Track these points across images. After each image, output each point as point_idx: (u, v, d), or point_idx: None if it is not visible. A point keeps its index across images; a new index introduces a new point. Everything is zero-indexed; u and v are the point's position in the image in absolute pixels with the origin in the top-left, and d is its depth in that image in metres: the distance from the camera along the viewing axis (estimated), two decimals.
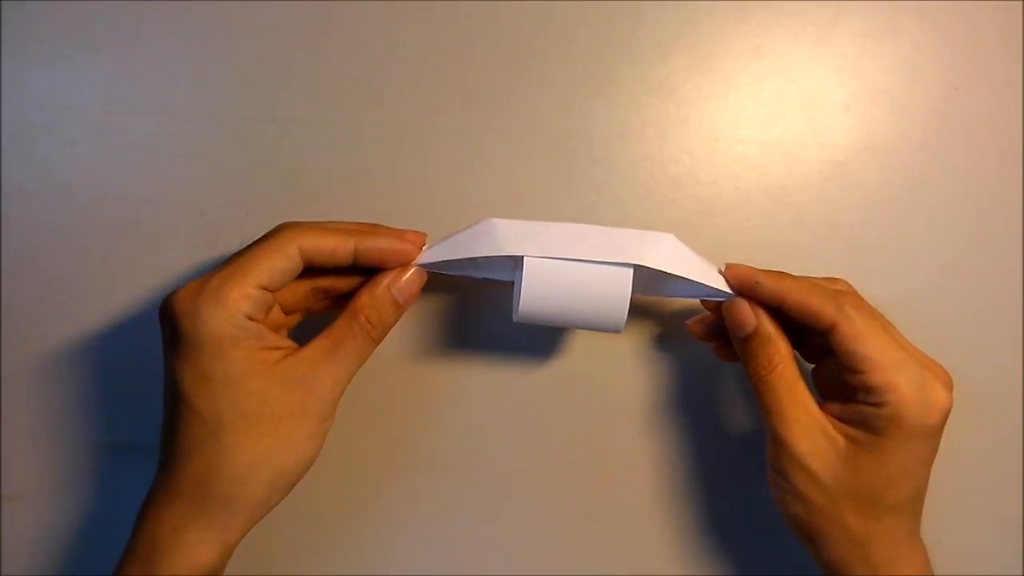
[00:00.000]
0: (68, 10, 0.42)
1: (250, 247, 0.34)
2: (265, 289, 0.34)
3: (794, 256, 0.43)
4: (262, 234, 0.35)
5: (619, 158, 0.43)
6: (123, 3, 0.43)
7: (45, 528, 0.42)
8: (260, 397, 0.33)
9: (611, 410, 0.43)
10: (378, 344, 0.36)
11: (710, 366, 0.42)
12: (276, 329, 0.36)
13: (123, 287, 0.42)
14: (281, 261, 0.34)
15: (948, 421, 0.42)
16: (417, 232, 0.37)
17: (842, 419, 0.35)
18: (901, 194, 0.43)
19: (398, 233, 0.36)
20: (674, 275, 0.36)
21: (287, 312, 0.37)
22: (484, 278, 0.38)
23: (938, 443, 0.35)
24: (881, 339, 0.34)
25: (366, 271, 0.36)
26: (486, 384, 0.43)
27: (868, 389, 0.34)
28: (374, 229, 0.36)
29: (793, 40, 0.43)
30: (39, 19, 0.43)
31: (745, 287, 0.36)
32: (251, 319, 0.33)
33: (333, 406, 0.35)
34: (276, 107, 0.42)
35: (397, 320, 0.36)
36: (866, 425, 0.34)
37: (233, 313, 0.33)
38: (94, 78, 0.43)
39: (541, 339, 0.43)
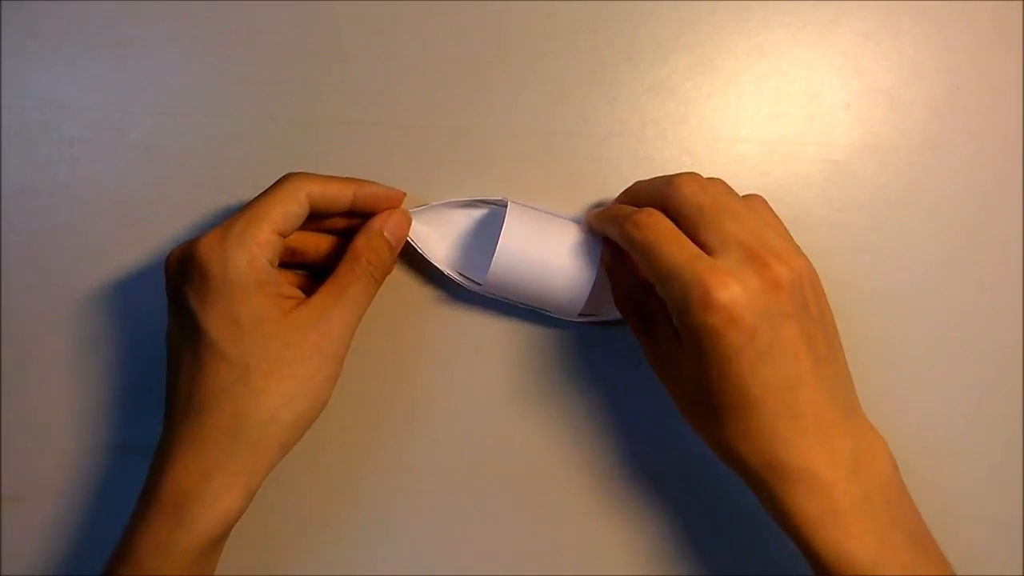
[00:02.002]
0: (68, 10, 0.42)
1: (262, 195, 0.36)
2: (280, 235, 0.35)
3: None
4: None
5: (619, 158, 0.43)
6: (123, 3, 0.42)
7: (45, 528, 0.42)
8: (283, 341, 0.34)
9: (596, 407, 0.43)
10: (379, 285, 0.38)
11: None
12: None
13: (123, 287, 0.42)
14: (294, 206, 0.36)
15: (948, 418, 0.42)
16: (399, 190, 0.40)
17: (679, 342, 0.35)
18: (901, 194, 0.43)
19: (389, 189, 0.39)
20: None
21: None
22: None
23: (744, 340, 0.31)
24: (656, 252, 0.33)
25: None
26: (467, 383, 0.43)
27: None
28: (364, 181, 0.39)
29: (794, 39, 0.43)
30: (39, 19, 0.42)
31: (596, 229, 0.39)
32: (271, 264, 0.35)
33: (346, 348, 0.36)
34: (276, 107, 0.42)
35: (393, 261, 0.39)
36: (677, 335, 0.34)
37: (258, 257, 0.34)
38: (94, 78, 0.43)
39: (521, 336, 0.43)
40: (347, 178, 0.38)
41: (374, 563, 0.42)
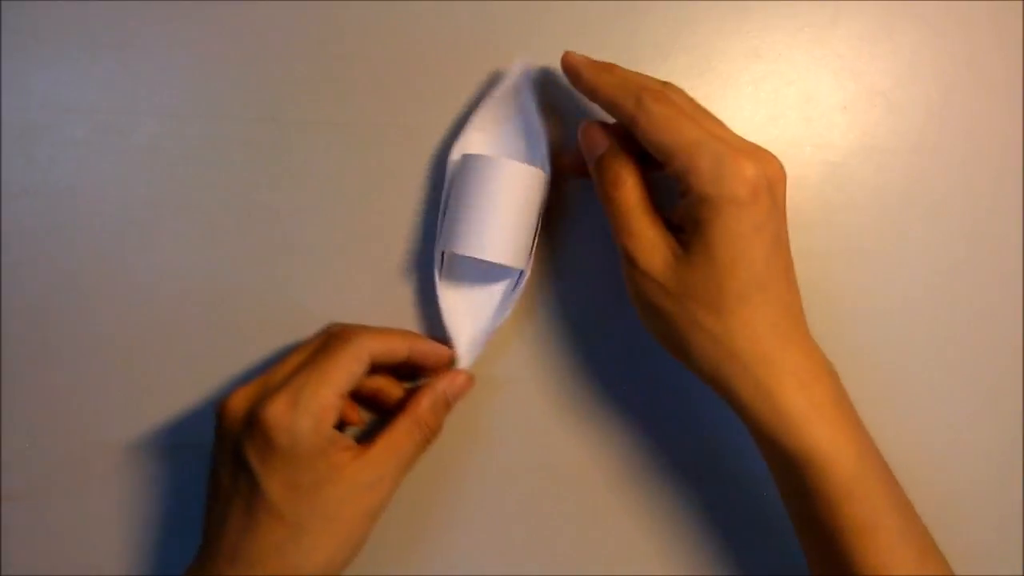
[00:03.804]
0: (69, 10, 0.43)
1: (326, 354, 0.36)
2: (342, 398, 0.36)
3: (793, 256, 0.43)
4: (320, 341, 0.38)
5: None
6: (123, 3, 0.43)
7: (45, 528, 0.42)
8: (337, 502, 0.35)
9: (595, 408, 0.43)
10: (429, 446, 0.38)
11: None
12: None
13: (124, 288, 0.43)
14: (357, 366, 0.36)
15: (947, 419, 0.42)
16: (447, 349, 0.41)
17: (679, 226, 0.35)
18: (899, 195, 0.43)
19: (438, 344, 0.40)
20: None
21: None
22: None
23: (765, 217, 0.33)
24: (678, 125, 0.34)
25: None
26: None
27: (676, 179, 0.34)
28: (418, 335, 0.41)
29: (791, 41, 0.43)
30: (39, 19, 0.43)
31: (572, 75, 0.38)
32: (333, 426, 0.36)
33: (387, 504, 0.37)
34: (276, 107, 0.43)
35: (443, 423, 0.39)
36: (688, 220, 0.34)
37: (323, 421, 0.35)
38: (95, 79, 0.43)
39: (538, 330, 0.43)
40: (401, 333, 0.39)
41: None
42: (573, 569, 0.43)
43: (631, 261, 0.35)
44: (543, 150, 0.41)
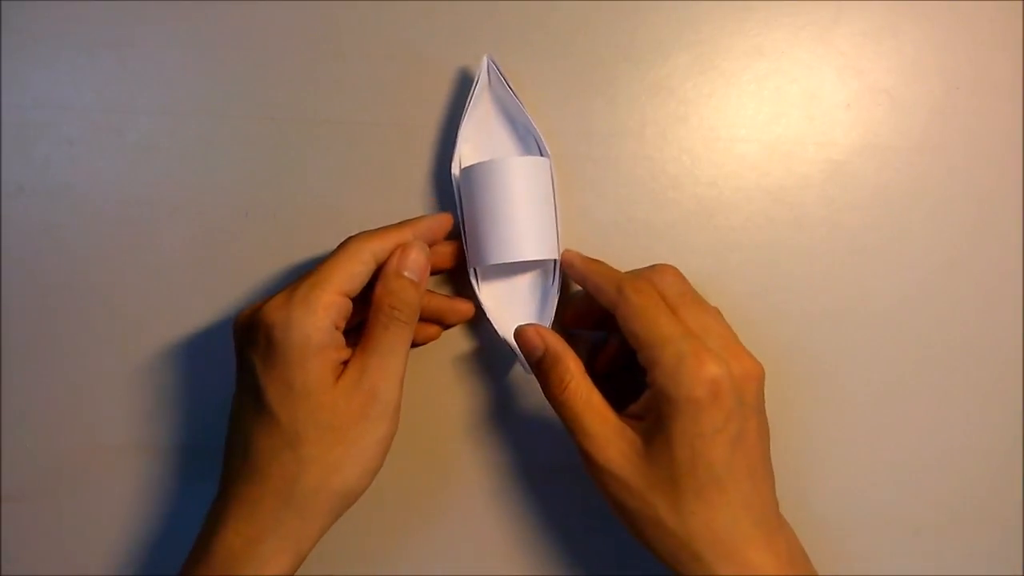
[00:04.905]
0: (68, 10, 0.42)
1: (327, 259, 0.36)
2: (346, 296, 0.35)
3: (794, 256, 0.43)
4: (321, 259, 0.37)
5: (619, 158, 0.43)
6: (123, 3, 0.42)
7: (45, 528, 0.42)
8: (331, 408, 0.34)
9: None
10: (412, 324, 0.37)
11: None
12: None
13: (123, 287, 0.42)
14: (358, 266, 0.36)
15: (947, 418, 0.42)
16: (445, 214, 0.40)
17: (637, 416, 0.35)
18: (901, 194, 0.43)
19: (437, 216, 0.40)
20: None
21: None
22: None
23: (725, 419, 0.33)
24: (653, 317, 0.34)
25: None
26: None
27: (644, 369, 0.34)
28: (416, 219, 0.39)
29: (794, 39, 0.43)
30: (39, 19, 0.42)
31: (567, 266, 0.40)
32: (336, 327, 0.35)
33: (393, 407, 0.36)
34: (276, 107, 0.42)
35: (421, 297, 0.37)
36: (649, 412, 0.34)
37: (323, 318, 0.34)
38: (93, 78, 0.43)
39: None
40: (401, 224, 0.38)
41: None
42: (587, 570, 0.43)
43: (588, 459, 0.35)
44: (534, 133, 0.41)
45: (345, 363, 0.36)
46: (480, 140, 0.42)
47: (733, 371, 0.33)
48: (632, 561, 0.42)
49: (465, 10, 0.43)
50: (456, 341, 0.43)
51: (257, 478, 0.34)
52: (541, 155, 0.41)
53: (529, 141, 0.42)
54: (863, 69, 0.43)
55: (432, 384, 0.43)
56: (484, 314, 0.40)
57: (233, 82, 0.43)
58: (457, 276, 0.42)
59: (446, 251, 0.41)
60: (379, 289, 0.36)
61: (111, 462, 0.42)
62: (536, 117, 0.41)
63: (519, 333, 0.37)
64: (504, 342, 0.40)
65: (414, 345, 0.41)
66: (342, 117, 0.43)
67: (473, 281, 0.41)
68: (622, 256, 0.43)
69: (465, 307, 0.41)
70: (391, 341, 0.36)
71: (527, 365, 0.40)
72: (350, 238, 0.37)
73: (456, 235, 0.41)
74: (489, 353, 0.43)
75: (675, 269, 0.37)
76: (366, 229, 0.37)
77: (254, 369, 0.35)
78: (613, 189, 0.43)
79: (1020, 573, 0.42)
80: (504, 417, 0.43)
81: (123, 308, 0.42)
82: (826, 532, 0.42)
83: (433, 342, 0.42)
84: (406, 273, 0.37)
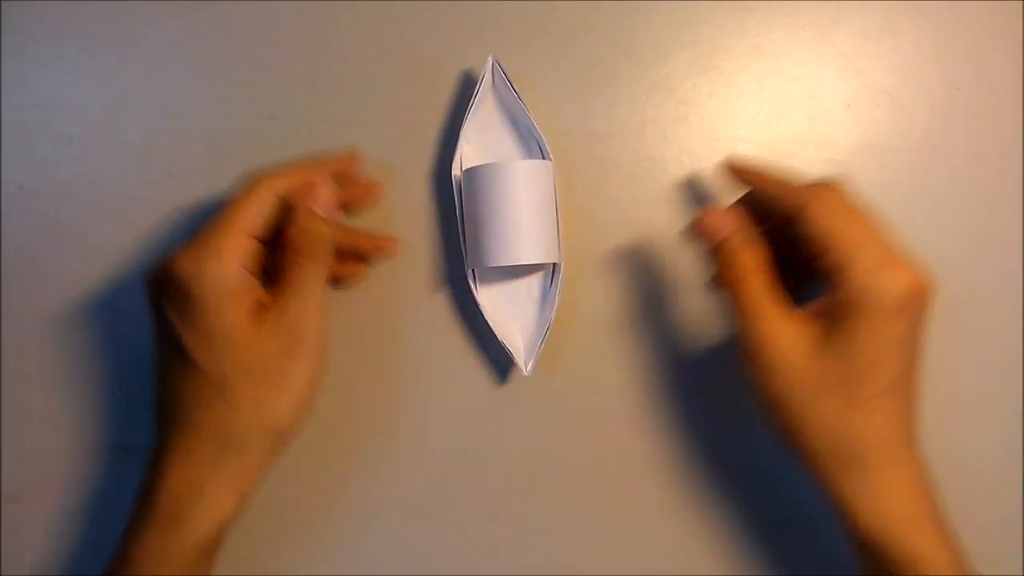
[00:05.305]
0: (68, 10, 0.42)
1: (230, 202, 0.36)
2: (254, 238, 0.36)
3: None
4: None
5: (619, 158, 0.43)
6: (123, 3, 0.42)
7: (45, 528, 0.42)
8: (253, 350, 0.35)
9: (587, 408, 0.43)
10: (326, 259, 0.36)
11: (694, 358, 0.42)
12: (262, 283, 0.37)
13: (122, 287, 0.42)
14: (261, 205, 0.36)
15: (947, 418, 0.42)
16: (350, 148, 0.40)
17: (814, 318, 0.35)
18: (902, 193, 0.43)
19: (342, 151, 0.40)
20: None
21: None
22: None
23: (912, 329, 0.34)
24: (846, 220, 0.34)
25: None
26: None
27: (831, 270, 0.34)
28: (320, 156, 0.39)
29: (794, 39, 0.43)
30: (39, 19, 0.42)
31: (735, 170, 0.39)
32: (246, 269, 0.35)
33: (316, 344, 0.36)
34: (276, 107, 0.42)
35: (332, 233, 0.37)
36: (833, 313, 0.34)
37: (231, 263, 0.34)
38: (93, 78, 0.43)
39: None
40: (305, 160, 0.38)
41: (367, 563, 0.42)
42: (592, 569, 0.43)
43: (758, 348, 0.35)
44: (536, 135, 0.41)
45: (266, 305, 0.36)
46: (482, 141, 0.42)
47: (921, 285, 0.34)
48: (631, 560, 0.43)
49: (465, 10, 0.43)
50: (455, 342, 0.43)
51: (191, 427, 0.35)
52: (543, 158, 0.41)
53: (531, 143, 0.42)
54: (863, 69, 0.43)
55: (432, 384, 0.43)
56: (482, 316, 0.40)
57: (233, 82, 0.43)
58: (456, 276, 0.42)
59: (360, 189, 0.41)
60: (290, 229, 0.36)
61: (111, 462, 0.42)
62: (536, 117, 0.41)
63: (704, 215, 0.36)
64: (502, 344, 0.40)
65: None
66: (342, 117, 0.43)
67: (471, 282, 0.41)
68: (622, 256, 0.43)
69: (387, 243, 0.41)
70: (307, 279, 0.36)
71: (525, 366, 0.40)
72: (251, 176, 0.37)
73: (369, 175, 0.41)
74: (488, 354, 0.43)
75: (843, 185, 0.37)
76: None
77: (170, 322, 0.35)
78: (613, 189, 0.43)
79: (1020, 574, 0.42)
80: (503, 418, 0.43)
81: (124, 308, 0.42)
82: (823, 533, 0.42)
83: (431, 342, 0.42)
84: (316, 210, 0.36)
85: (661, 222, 0.43)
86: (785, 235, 0.36)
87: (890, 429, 0.34)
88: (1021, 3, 0.43)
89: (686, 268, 0.43)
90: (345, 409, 0.42)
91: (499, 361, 0.43)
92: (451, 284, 0.43)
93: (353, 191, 0.40)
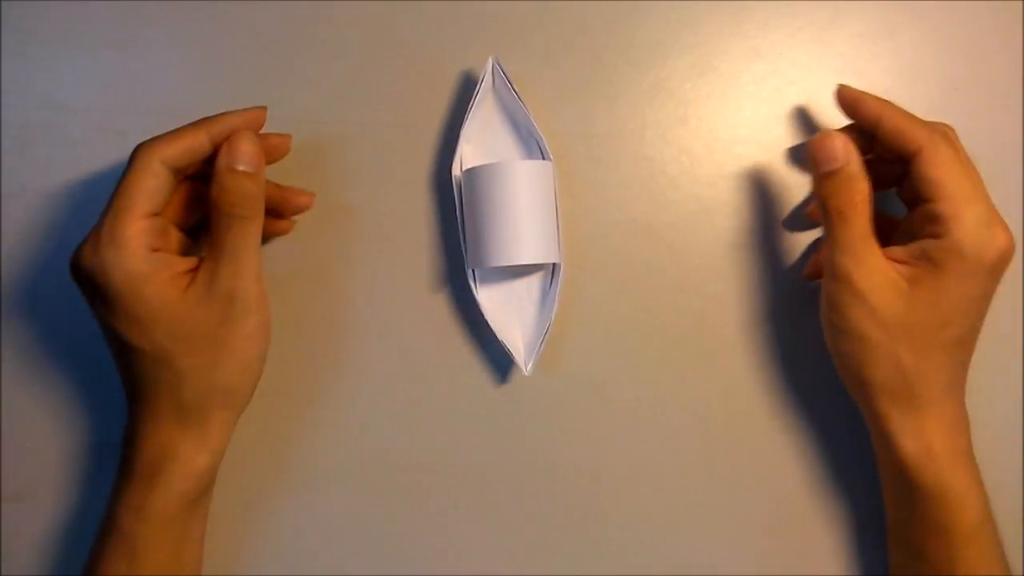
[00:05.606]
0: (68, 10, 0.43)
1: (119, 182, 0.35)
2: (154, 215, 0.35)
3: (795, 255, 0.43)
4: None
5: (618, 159, 0.43)
6: (123, 3, 0.43)
7: (45, 528, 0.42)
8: (189, 319, 0.35)
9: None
10: (258, 218, 0.36)
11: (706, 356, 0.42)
12: (182, 250, 0.37)
13: None
14: (152, 180, 0.35)
15: None
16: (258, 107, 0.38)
17: (905, 260, 0.36)
18: None
19: (243, 111, 0.37)
20: None
21: (185, 227, 0.38)
22: None
23: (993, 289, 0.36)
24: (959, 172, 0.35)
25: None
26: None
27: (935, 218, 0.35)
28: (218, 115, 0.37)
29: (791, 41, 0.43)
30: (39, 19, 0.43)
31: (850, 103, 0.38)
32: (155, 250, 0.35)
33: (254, 303, 0.36)
34: (276, 107, 0.42)
35: (261, 187, 0.35)
36: (927, 258, 0.35)
37: (135, 250, 0.34)
38: (94, 78, 0.43)
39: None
40: (197, 122, 0.36)
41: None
42: (594, 570, 0.43)
43: (847, 281, 0.35)
44: (536, 136, 0.41)
45: (196, 269, 0.35)
46: (482, 141, 0.42)
47: (1011, 246, 0.35)
48: (631, 560, 0.42)
49: (465, 11, 0.43)
50: (455, 342, 0.43)
51: (151, 399, 0.35)
52: (543, 158, 0.41)
53: (531, 144, 0.42)
54: (861, 70, 0.43)
55: (432, 384, 0.43)
56: (482, 316, 0.40)
57: (233, 82, 0.43)
58: (456, 276, 0.42)
59: (275, 142, 0.39)
60: (214, 189, 0.35)
61: (111, 462, 0.42)
62: (536, 118, 0.41)
63: (824, 138, 0.36)
64: (502, 344, 0.40)
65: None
66: (342, 117, 0.43)
67: (471, 282, 0.41)
68: (622, 256, 0.43)
69: (304, 198, 0.40)
70: (237, 240, 0.35)
71: (525, 366, 0.40)
72: (137, 148, 0.35)
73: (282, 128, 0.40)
74: (488, 354, 0.43)
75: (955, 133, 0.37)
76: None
77: (98, 314, 0.35)
78: (613, 190, 0.43)
79: (1020, 574, 0.42)
80: (503, 418, 0.43)
81: None
82: (825, 532, 0.42)
83: (431, 342, 0.42)
84: (240, 167, 0.35)
85: (661, 222, 0.43)
86: (877, 171, 0.37)
87: (950, 375, 0.36)
88: (1020, 3, 0.43)
89: (686, 268, 0.43)
90: (345, 409, 0.43)
91: (499, 361, 0.43)
92: (451, 284, 0.43)
93: (267, 144, 0.38)
